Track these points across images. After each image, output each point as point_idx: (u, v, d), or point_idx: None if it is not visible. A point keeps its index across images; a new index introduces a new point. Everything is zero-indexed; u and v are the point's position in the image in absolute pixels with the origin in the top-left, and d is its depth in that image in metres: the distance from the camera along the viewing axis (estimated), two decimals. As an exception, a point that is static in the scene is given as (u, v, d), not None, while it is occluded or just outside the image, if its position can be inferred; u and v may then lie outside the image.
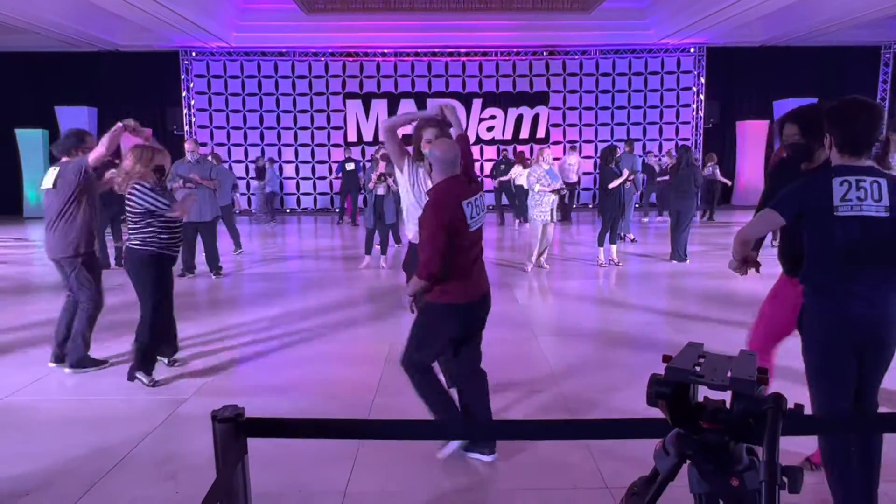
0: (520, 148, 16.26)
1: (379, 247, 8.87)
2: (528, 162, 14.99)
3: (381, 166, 8.52)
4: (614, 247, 8.92)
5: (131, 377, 4.38)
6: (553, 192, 8.25)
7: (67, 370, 4.60)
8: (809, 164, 2.97)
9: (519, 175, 14.50)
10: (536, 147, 16.96)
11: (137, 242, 4.33)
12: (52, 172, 4.56)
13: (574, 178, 14.55)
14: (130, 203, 4.30)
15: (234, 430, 1.56)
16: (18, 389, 4.29)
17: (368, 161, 13.84)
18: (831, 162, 2.52)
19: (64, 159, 4.61)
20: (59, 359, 4.68)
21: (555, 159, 16.64)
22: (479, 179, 14.33)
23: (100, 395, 4.19)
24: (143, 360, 4.37)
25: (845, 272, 2.45)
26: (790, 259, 2.98)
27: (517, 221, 14.40)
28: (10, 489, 2.97)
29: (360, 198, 13.50)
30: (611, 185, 8.56)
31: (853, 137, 2.42)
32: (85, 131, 4.90)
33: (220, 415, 1.58)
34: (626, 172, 8.94)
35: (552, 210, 8.30)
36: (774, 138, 16.95)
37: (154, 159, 4.37)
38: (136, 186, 4.28)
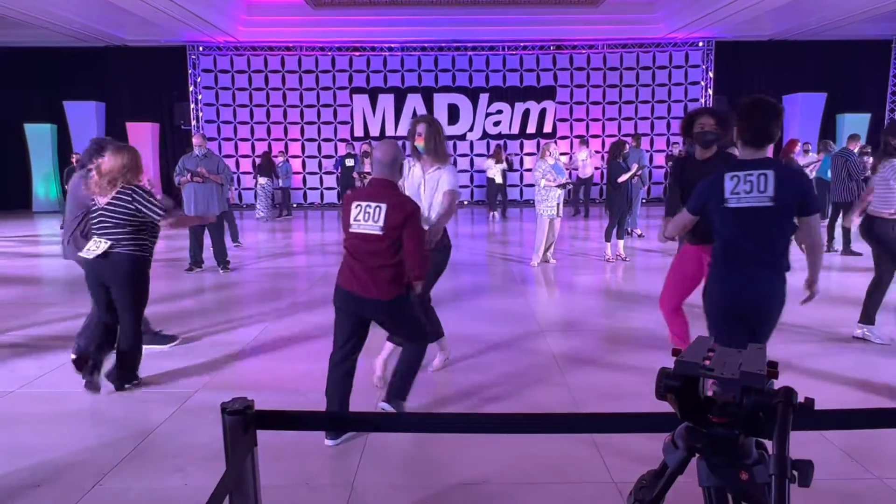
0: (522, 143, 16.24)
1: None
2: (506, 157, 15.08)
3: (367, 164, 8.50)
4: (621, 242, 8.90)
5: (121, 387, 4.10)
6: (559, 186, 8.23)
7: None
8: (704, 152, 3.85)
9: (489, 168, 14.57)
10: (543, 142, 17.01)
11: (135, 248, 4.04)
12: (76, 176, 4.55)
13: (588, 173, 14.42)
14: (126, 207, 3.98)
15: (244, 422, 1.57)
16: (29, 382, 4.33)
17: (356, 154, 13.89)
18: (737, 153, 3.06)
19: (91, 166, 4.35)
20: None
21: (562, 154, 16.65)
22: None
23: (109, 389, 4.22)
24: (133, 368, 4.18)
25: (734, 253, 2.91)
26: (692, 232, 3.53)
27: (491, 215, 14.43)
28: (21, 481, 3.00)
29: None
30: (619, 180, 8.53)
31: (752, 133, 2.79)
32: (104, 142, 4.49)
33: (229, 407, 1.59)
34: (634, 167, 8.91)
35: (558, 205, 8.29)
36: (784, 132, 16.89)
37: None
38: (135, 190, 4.01)
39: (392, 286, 3.22)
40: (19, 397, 4.10)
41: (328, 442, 3.29)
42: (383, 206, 3.13)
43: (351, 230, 3.23)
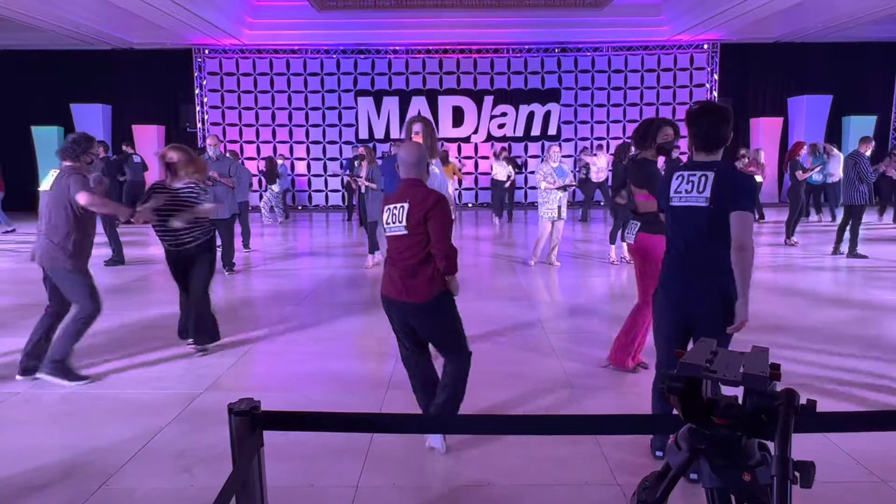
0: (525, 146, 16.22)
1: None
2: (512, 158, 15.12)
3: (363, 167, 8.51)
4: (626, 244, 8.88)
5: (203, 346, 4.91)
6: (559, 189, 8.25)
7: (20, 376, 4.33)
8: (643, 151, 4.44)
9: (496, 172, 14.44)
10: (547, 144, 17.00)
11: (204, 233, 4.89)
12: (53, 175, 4.38)
13: (603, 178, 14.24)
14: (197, 198, 4.82)
15: (251, 422, 1.59)
16: (38, 382, 4.35)
17: (380, 158, 13.88)
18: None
19: (67, 163, 4.36)
20: (27, 371, 4.35)
21: (564, 157, 16.61)
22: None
23: (115, 390, 4.25)
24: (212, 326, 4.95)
25: (675, 253, 2.97)
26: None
27: (494, 219, 14.42)
28: (27, 481, 3.02)
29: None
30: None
31: (702, 138, 2.86)
32: (92, 137, 4.61)
33: (236, 408, 1.61)
34: None
35: (560, 207, 8.30)
36: (789, 135, 16.85)
37: None
38: (200, 184, 4.91)
39: (424, 288, 3.12)
40: (26, 398, 4.12)
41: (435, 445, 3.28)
42: (406, 204, 3.11)
43: (386, 234, 3.23)
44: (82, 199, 4.22)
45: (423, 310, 3.16)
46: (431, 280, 3.13)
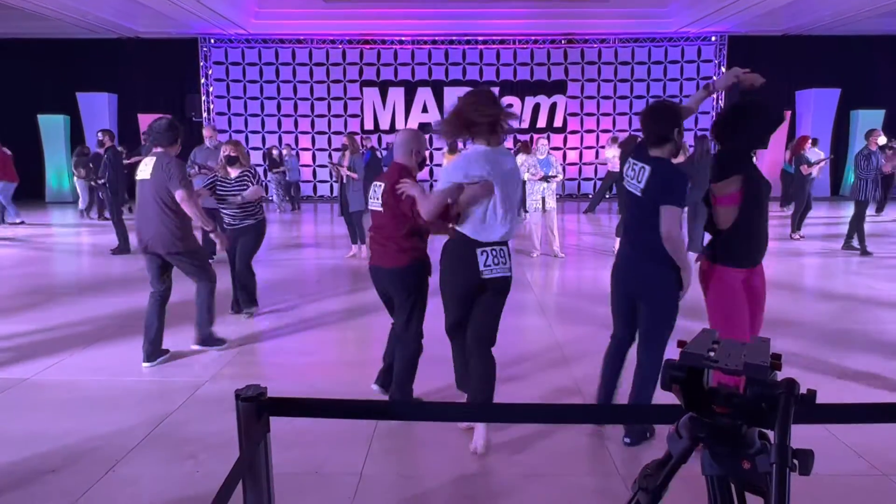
0: (528, 137, 16.16)
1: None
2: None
3: (346, 157, 8.49)
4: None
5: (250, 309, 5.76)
6: (542, 179, 8.34)
7: (195, 346, 4.75)
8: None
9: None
10: (553, 136, 16.97)
11: (254, 214, 5.54)
12: (149, 163, 4.44)
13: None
14: (248, 182, 5.44)
15: (257, 408, 1.61)
16: (45, 369, 4.40)
17: (385, 149, 13.87)
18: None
19: (159, 149, 4.47)
20: (152, 357, 4.50)
21: (570, 149, 16.50)
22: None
23: (121, 377, 4.29)
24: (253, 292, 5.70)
25: (624, 233, 3.32)
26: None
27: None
28: (35, 467, 3.06)
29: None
30: None
31: (647, 133, 3.11)
32: (179, 124, 4.73)
33: (243, 394, 1.63)
34: None
35: (544, 198, 8.37)
36: (796, 128, 16.76)
37: None
38: (250, 171, 5.55)
39: (396, 256, 3.43)
40: (34, 385, 4.17)
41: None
42: (382, 184, 3.47)
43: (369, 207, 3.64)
44: (180, 196, 4.40)
45: (394, 273, 3.48)
46: (403, 252, 3.42)
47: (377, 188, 3.50)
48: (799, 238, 10.14)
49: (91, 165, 12.76)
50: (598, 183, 16.33)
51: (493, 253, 3.05)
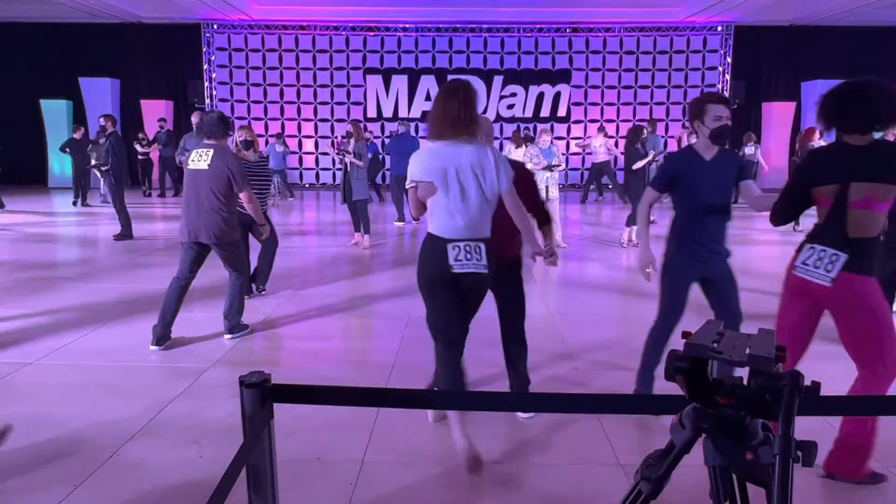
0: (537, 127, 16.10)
1: (398, 221, 8.85)
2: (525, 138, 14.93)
3: (351, 143, 8.45)
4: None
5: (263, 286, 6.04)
6: (544, 169, 8.31)
7: (227, 336, 4.78)
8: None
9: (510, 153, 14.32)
10: (556, 125, 16.91)
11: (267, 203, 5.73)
12: (206, 154, 4.52)
13: (601, 159, 14.10)
14: (268, 168, 5.77)
15: (261, 395, 1.62)
16: (47, 354, 4.42)
17: (389, 136, 13.84)
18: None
19: (212, 141, 4.58)
20: (162, 340, 4.53)
21: (574, 139, 16.45)
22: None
23: (124, 362, 4.31)
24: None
25: None
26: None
27: None
28: (38, 451, 3.08)
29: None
30: (634, 167, 8.43)
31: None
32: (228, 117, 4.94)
33: (247, 380, 1.63)
34: (651, 153, 8.77)
35: (547, 188, 8.34)
36: (801, 120, 16.67)
37: None
38: (265, 156, 5.82)
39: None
40: (38, 369, 4.19)
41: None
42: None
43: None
44: (245, 197, 4.69)
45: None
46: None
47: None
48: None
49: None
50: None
51: (467, 249, 2.94)
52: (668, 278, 3.42)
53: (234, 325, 4.84)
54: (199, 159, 4.53)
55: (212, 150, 4.53)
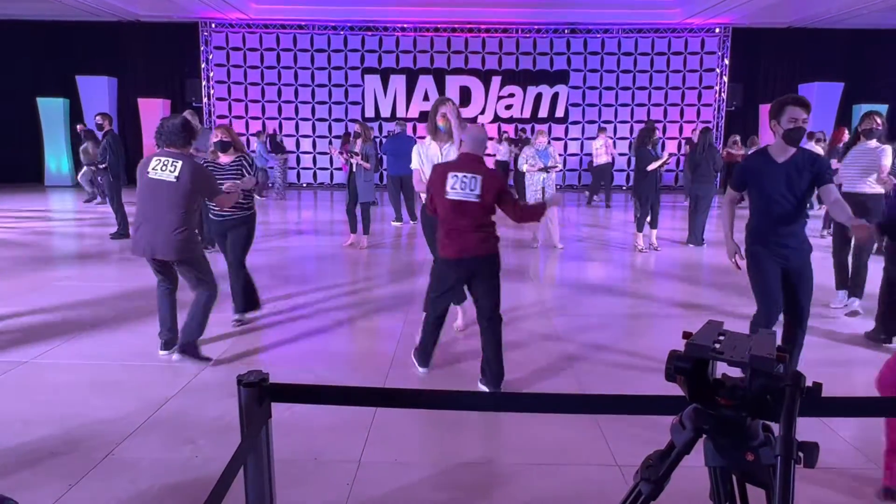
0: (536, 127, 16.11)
1: (397, 223, 8.80)
2: (507, 138, 14.92)
3: (358, 144, 8.40)
4: (654, 231, 8.65)
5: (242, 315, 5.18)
6: (541, 170, 8.31)
7: (175, 356, 4.29)
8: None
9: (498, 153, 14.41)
10: (554, 126, 16.91)
11: (253, 207, 5.13)
12: (173, 165, 4.01)
13: (602, 161, 14.02)
14: (244, 171, 4.96)
15: (259, 394, 1.61)
16: (43, 353, 4.40)
17: (386, 136, 13.80)
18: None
19: (174, 150, 4.08)
20: (170, 344, 4.39)
21: (571, 139, 16.44)
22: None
23: (122, 361, 4.29)
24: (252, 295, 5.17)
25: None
26: None
27: None
28: (34, 450, 3.07)
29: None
30: (649, 168, 8.28)
31: None
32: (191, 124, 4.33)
33: (245, 379, 1.63)
34: (665, 155, 8.62)
35: (544, 189, 8.31)
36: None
37: None
38: (246, 158, 5.02)
39: (492, 244, 3.75)
40: (33, 367, 4.17)
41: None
42: (476, 176, 3.64)
43: (447, 197, 3.68)
44: (221, 203, 4.54)
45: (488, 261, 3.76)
46: (489, 239, 3.74)
47: (468, 180, 3.62)
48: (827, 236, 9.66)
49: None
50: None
51: None
52: (751, 271, 3.61)
53: (188, 344, 4.24)
54: (162, 169, 4.01)
55: (180, 162, 4.02)
